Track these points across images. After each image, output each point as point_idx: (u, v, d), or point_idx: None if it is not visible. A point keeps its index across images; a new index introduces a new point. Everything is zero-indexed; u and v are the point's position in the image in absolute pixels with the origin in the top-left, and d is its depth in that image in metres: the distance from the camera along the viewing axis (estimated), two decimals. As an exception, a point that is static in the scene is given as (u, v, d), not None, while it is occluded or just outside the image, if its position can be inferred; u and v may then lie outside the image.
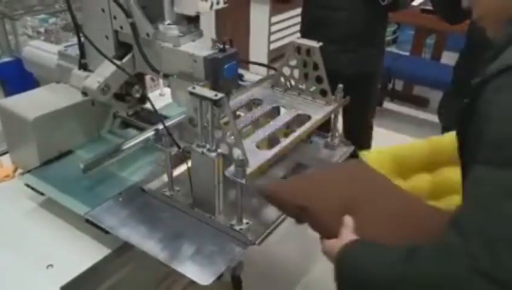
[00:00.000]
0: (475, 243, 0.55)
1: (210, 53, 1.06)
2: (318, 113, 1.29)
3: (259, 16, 4.15)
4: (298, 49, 1.33)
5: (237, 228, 1.04)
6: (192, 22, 1.17)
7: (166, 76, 1.14)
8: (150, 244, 1.02)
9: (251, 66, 4.25)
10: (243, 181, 0.97)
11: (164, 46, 1.12)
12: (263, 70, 4.18)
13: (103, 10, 1.20)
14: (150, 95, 1.75)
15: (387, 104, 3.75)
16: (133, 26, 1.14)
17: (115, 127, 1.48)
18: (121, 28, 1.19)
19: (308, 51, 1.31)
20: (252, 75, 2.71)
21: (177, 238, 1.05)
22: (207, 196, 1.07)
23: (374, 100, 2.20)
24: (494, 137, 0.59)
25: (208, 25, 4.18)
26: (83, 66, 1.31)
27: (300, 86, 1.40)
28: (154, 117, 1.51)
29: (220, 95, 0.93)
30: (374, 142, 2.32)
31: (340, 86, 1.33)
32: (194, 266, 0.97)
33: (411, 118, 3.62)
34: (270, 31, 4.20)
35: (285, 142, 1.15)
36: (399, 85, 3.83)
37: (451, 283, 0.55)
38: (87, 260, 1.06)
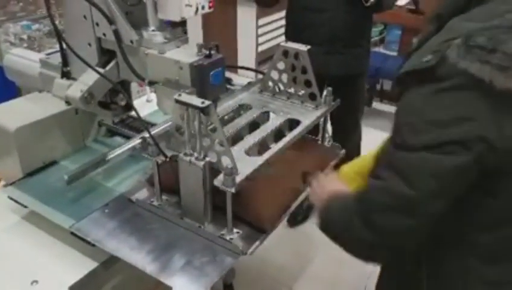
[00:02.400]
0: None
1: (196, 59, 1.03)
2: (308, 117, 1.27)
3: (246, 18, 4.13)
4: (286, 53, 1.31)
5: (227, 237, 1.01)
6: (178, 26, 1.14)
7: (151, 83, 1.12)
8: (137, 257, 0.99)
9: (240, 70, 4.23)
10: (232, 190, 0.94)
11: (149, 53, 1.10)
12: (252, 74, 4.16)
13: (85, 17, 1.17)
14: (137, 101, 1.73)
15: (377, 105, 3.75)
16: (116, 33, 1.11)
17: (100, 136, 1.45)
18: (104, 35, 1.16)
19: (296, 54, 1.30)
20: (240, 78, 2.69)
21: (166, 249, 1.02)
22: (196, 206, 1.04)
23: (362, 101, 2.19)
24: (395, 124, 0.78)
25: (195, 28, 4.14)
26: (66, 75, 1.27)
27: (289, 90, 1.38)
28: (141, 124, 1.48)
29: (207, 102, 0.91)
30: (364, 143, 2.31)
31: (330, 89, 1.31)
32: (183, 279, 0.94)
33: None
34: (258, 33, 4.18)
35: (275, 148, 1.13)
36: (387, 85, 3.83)
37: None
38: (73, 274, 1.03)
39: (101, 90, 1.21)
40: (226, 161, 0.96)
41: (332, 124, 2.16)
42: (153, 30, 1.12)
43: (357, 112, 2.16)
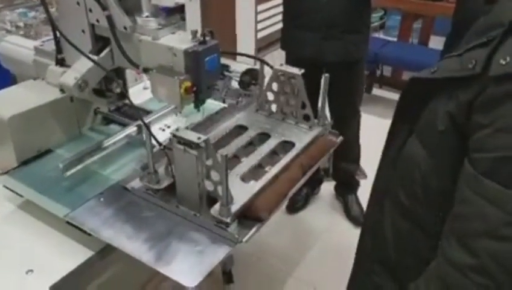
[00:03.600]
0: None
1: (190, 46, 1.01)
2: (301, 139, 1.29)
3: (245, 4, 4.09)
4: (280, 75, 1.31)
5: (223, 225, 1.00)
6: (175, 13, 1.12)
7: (146, 70, 1.10)
8: (133, 246, 0.99)
9: (238, 57, 4.20)
10: (228, 220, 0.98)
11: (142, 40, 1.08)
12: (250, 60, 4.13)
13: (78, 3, 1.15)
14: (134, 88, 1.71)
15: (376, 91, 3.73)
16: (109, 19, 1.09)
17: (96, 124, 1.44)
18: (97, 21, 1.14)
19: (291, 77, 1.30)
20: (238, 65, 2.67)
21: (162, 238, 1.01)
22: (191, 194, 1.04)
23: (361, 87, 2.17)
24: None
25: (194, 15, 4.10)
26: (60, 62, 1.26)
27: (284, 110, 1.39)
28: (137, 112, 1.47)
29: (203, 138, 0.95)
30: (363, 129, 2.29)
31: (327, 75, 1.29)
32: (179, 268, 0.93)
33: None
34: (257, 19, 4.14)
35: (270, 172, 1.14)
36: (387, 71, 3.81)
37: None
38: (69, 263, 1.03)
39: (95, 77, 1.20)
40: (222, 190, 0.97)
41: (330, 111, 2.15)
42: (146, 16, 1.10)
43: (356, 99, 2.15)
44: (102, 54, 1.17)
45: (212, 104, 1.55)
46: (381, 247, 0.82)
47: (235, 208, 1.01)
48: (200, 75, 1.02)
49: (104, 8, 1.08)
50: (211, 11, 4.13)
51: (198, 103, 1.08)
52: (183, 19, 1.15)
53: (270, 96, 1.39)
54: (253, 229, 1.02)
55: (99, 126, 1.44)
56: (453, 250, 0.64)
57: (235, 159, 1.24)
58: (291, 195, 1.13)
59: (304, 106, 1.33)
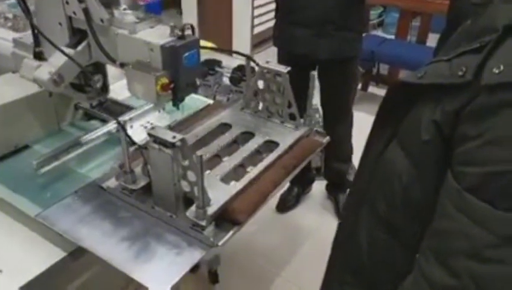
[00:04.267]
0: None
1: (167, 41, 0.97)
2: (286, 139, 1.25)
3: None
4: (266, 73, 1.27)
5: (199, 227, 0.97)
6: (172, 8, 1.08)
7: (122, 65, 1.06)
8: (105, 248, 0.95)
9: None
10: (204, 223, 0.95)
11: (119, 33, 1.04)
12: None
13: None
14: (119, 84, 1.66)
15: (373, 89, 3.69)
16: (85, 11, 1.05)
17: (77, 119, 1.40)
18: (74, 13, 1.10)
19: (277, 75, 1.26)
20: (230, 60, 2.63)
21: (136, 240, 0.98)
22: (167, 195, 1.00)
23: (354, 85, 2.13)
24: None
25: (190, 9, 4.05)
26: (38, 55, 1.21)
27: (269, 109, 1.35)
28: (120, 108, 1.44)
29: (178, 137, 0.91)
30: (358, 128, 2.25)
31: (313, 73, 1.25)
32: (151, 272, 0.90)
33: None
34: (254, 14, 4.09)
35: (252, 173, 1.11)
36: (384, 69, 3.76)
37: None
38: (40, 264, 0.99)
39: (71, 72, 1.16)
40: (198, 192, 0.94)
41: (322, 109, 2.11)
42: (124, 9, 1.06)
43: (349, 97, 2.11)
44: (79, 48, 1.13)
45: (198, 101, 1.51)
46: (356, 257, 0.78)
47: (211, 210, 0.97)
48: (178, 71, 0.99)
49: (81, 0, 1.04)
50: (207, 4, 4.08)
51: (177, 100, 1.05)
52: (180, 13, 1.12)
53: (256, 94, 1.35)
54: (230, 233, 0.98)
55: (79, 122, 1.40)
56: (432, 267, 0.60)
57: (217, 158, 1.20)
58: (273, 196, 1.10)
59: (290, 105, 1.29)
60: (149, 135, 0.95)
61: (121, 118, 1.29)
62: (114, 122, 1.28)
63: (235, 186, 1.06)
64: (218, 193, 1.02)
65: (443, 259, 0.58)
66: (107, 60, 1.09)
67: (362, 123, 2.34)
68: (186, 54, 0.99)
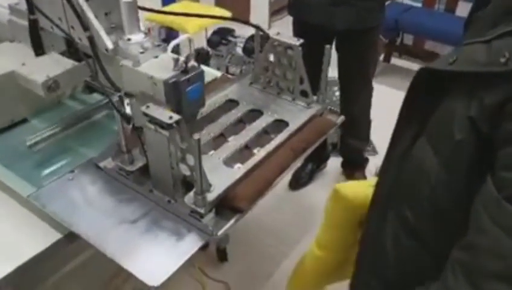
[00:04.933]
0: None
1: (171, 75, 0.93)
2: (296, 118, 1.16)
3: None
4: (277, 46, 1.17)
5: (197, 215, 0.90)
6: None
7: (128, 95, 1.02)
8: (98, 234, 0.90)
9: (251, 21, 4.00)
10: (202, 211, 0.88)
11: (123, 65, 0.99)
12: (263, 24, 3.93)
13: (60, 19, 1.07)
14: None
15: (395, 60, 3.52)
16: (91, 40, 1.01)
17: (77, 92, 1.33)
18: (80, 39, 1.06)
19: (288, 48, 1.15)
20: (244, 29, 2.50)
21: (131, 226, 0.92)
22: (165, 178, 0.93)
23: (375, 58, 1.99)
24: None
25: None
26: (33, 23, 1.14)
27: (280, 85, 1.25)
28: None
29: (175, 117, 0.85)
30: (379, 101, 2.13)
31: (327, 46, 1.14)
32: (144, 264, 0.84)
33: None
34: (272, -21, 3.91)
35: (257, 156, 1.03)
36: (408, 39, 3.58)
37: None
38: (35, 245, 0.94)
39: (69, 82, 1.10)
40: (196, 178, 0.87)
41: (340, 82, 2.00)
42: (128, 39, 1.00)
43: (368, 70, 1.98)
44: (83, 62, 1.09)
45: (206, 74, 1.42)
46: (381, 261, 0.70)
47: (211, 196, 0.91)
48: (181, 105, 0.95)
49: (86, 28, 1.00)
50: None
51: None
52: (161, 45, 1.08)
53: (266, 68, 1.25)
54: (231, 221, 0.92)
55: (80, 95, 1.33)
56: (460, 286, 0.51)
57: (222, 138, 1.12)
58: (279, 181, 1.02)
59: (301, 81, 1.19)
60: (144, 114, 0.88)
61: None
62: (117, 96, 1.21)
63: (239, 171, 0.99)
64: (220, 177, 0.96)
65: (473, 279, 0.50)
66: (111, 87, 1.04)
67: (384, 97, 2.22)
68: (189, 88, 0.94)
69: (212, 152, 1.08)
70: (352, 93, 1.94)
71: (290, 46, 1.15)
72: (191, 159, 0.89)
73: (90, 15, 1.02)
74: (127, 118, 0.93)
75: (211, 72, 1.44)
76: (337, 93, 2.16)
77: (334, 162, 2.38)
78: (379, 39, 2.00)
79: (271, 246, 2.03)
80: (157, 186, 0.97)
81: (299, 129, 1.13)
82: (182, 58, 0.97)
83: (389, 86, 2.90)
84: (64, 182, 1.02)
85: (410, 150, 0.64)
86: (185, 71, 0.95)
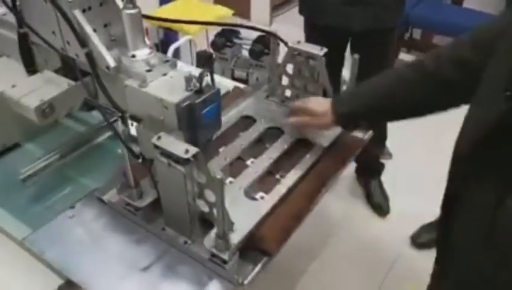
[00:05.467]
0: None
1: (183, 97, 0.80)
2: (321, 137, 1.04)
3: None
4: (297, 55, 1.05)
5: (219, 260, 0.78)
6: None
7: (134, 118, 0.89)
8: (104, 285, 0.78)
9: (252, 17, 3.86)
10: (225, 257, 0.77)
11: (128, 86, 0.86)
12: (264, 20, 3.79)
13: (54, 33, 0.93)
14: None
15: (404, 56, 3.39)
16: (89, 56, 0.88)
17: (75, 110, 1.20)
18: (77, 56, 0.92)
19: (309, 58, 1.03)
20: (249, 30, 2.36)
21: (141, 274, 0.80)
22: (180, 216, 0.81)
23: (390, 60, 1.86)
24: None
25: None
26: (23, 38, 1.01)
27: (300, 98, 1.12)
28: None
29: (192, 151, 0.73)
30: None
31: (356, 56, 1.02)
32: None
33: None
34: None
35: (283, 185, 0.92)
36: (417, 34, 3.45)
37: None
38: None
39: (66, 105, 0.97)
40: (218, 219, 0.76)
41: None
42: (132, 55, 0.87)
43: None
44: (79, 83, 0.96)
45: (221, 84, 1.28)
46: None
47: (235, 238, 0.79)
48: (197, 130, 0.83)
49: (83, 44, 0.87)
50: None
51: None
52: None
53: (284, 79, 1.13)
54: (258, 266, 0.80)
55: (79, 113, 1.20)
56: None
57: (239, 162, 1.00)
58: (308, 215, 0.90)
59: (325, 94, 1.07)
60: (155, 146, 0.75)
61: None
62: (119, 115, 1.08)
63: (263, 203, 0.87)
64: (243, 213, 0.84)
65: None
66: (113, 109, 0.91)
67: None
68: (205, 111, 0.82)
69: (229, 179, 0.96)
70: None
71: (312, 56, 1.03)
72: (210, 195, 0.77)
73: (88, 29, 0.89)
74: (134, 155, 0.81)
75: (223, 84, 1.31)
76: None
77: (348, 168, 2.26)
78: (395, 40, 1.87)
79: (282, 259, 1.90)
80: (170, 224, 0.85)
81: (326, 150, 1.01)
82: (194, 76, 0.85)
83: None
84: (64, 220, 0.90)
85: (497, 215, 0.51)
86: (200, 91, 0.83)
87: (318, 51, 1.02)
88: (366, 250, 1.91)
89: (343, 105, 0.95)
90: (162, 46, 2.75)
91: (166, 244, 0.85)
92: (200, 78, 0.83)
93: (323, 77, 1.04)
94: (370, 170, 2.13)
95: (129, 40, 0.88)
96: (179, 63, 1.60)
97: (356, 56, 1.02)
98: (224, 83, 1.32)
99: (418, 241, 1.94)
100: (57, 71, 1.03)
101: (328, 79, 1.04)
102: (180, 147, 0.74)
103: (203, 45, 2.50)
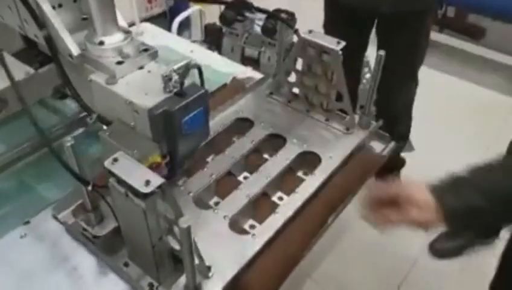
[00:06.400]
0: None
1: (159, 101, 0.63)
2: (332, 150, 0.85)
3: None
4: (309, 47, 0.85)
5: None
6: None
7: (102, 120, 0.73)
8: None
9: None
10: None
11: (93, 81, 0.69)
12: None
13: (10, 8, 0.77)
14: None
15: (435, 36, 3.09)
16: (48, 41, 0.71)
17: (46, 96, 1.03)
18: (36, 37, 0.75)
19: (323, 53, 0.83)
20: (264, 2, 2.13)
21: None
22: (144, 253, 0.65)
23: (425, 47, 1.62)
24: None
25: None
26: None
27: (310, 99, 0.93)
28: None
29: (156, 182, 0.55)
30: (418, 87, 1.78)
31: (381, 53, 0.81)
32: None
33: (463, 53, 2.99)
34: None
35: (281, 214, 0.74)
36: (451, 11, 3.15)
37: None
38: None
39: (24, 97, 0.79)
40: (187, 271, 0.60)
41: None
42: (100, 42, 0.69)
43: (416, 62, 1.61)
44: (45, 69, 0.83)
45: (212, 75, 1.09)
46: None
47: (214, 286, 0.62)
48: (175, 141, 0.66)
49: (41, 25, 0.70)
50: None
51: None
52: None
53: (293, 76, 0.93)
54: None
55: (50, 100, 1.02)
56: None
57: (230, 178, 0.82)
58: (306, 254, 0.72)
59: (340, 97, 0.87)
60: (109, 172, 0.58)
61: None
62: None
63: (253, 240, 0.69)
64: (226, 252, 0.67)
65: None
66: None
67: (421, 79, 1.87)
68: (187, 119, 0.65)
69: (214, 199, 0.79)
70: (394, 89, 1.59)
71: (327, 50, 0.83)
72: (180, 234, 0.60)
73: (46, 7, 0.70)
74: (83, 181, 0.64)
75: (220, 72, 1.11)
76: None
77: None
78: (431, 25, 1.61)
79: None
80: (134, 259, 0.68)
81: (338, 169, 0.82)
82: (174, 74, 0.66)
83: (428, 66, 2.51)
84: (14, 240, 0.74)
85: None
86: (180, 94, 0.65)
87: (334, 44, 0.81)
88: (379, 253, 1.74)
89: (452, 195, 0.66)
90: (170, 15, 2.52)
91: (129, 285, 0.68)
92: (182, 77, 0.64)
93: (339, 76, 0.84)
94: (389, 166, 1.92)
95: (96, 21, 0.70)
96: (180, 40, 1.41)
97: (382, 53, 0.82)
98: (225, 69, 1.12)
99: (436, 247, 1.76)
100: (18, 54, 0.86)
101: (344, 80, 0.84)
102: (140, 176, 0.56)
103: (214, 17, 2.28)
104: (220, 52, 2.01)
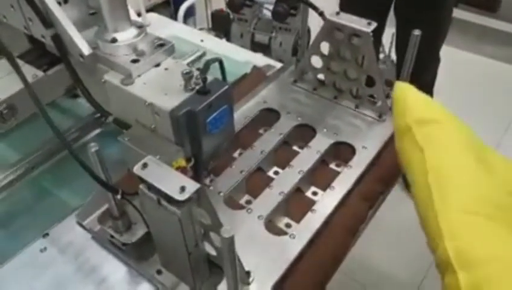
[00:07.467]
0: None
1: (180, 102, 0.59)
2: (366, 140, 0.79)
3: None
4: (336, 30, 0.79)
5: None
6: None
7: (119, 123, 0.69)
8: None
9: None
10: None
11: (108, 82, 0.64)
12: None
13: (12, 7, 0.72)
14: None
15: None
16: (56, 40, 0.67)
17: (57, 97, 0.98)
18: (43, 37, 0.71)
19: (353, 36, 0.77)
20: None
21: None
22: (179, 261, 0.60)
23: (447, 25, 1.55)
24: None
25: None
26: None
27: (338, 85, 0.87)
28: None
29: (191, 188, 0.50)
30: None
31: (417, 33, 0.76)
32: None
33: (476, 27, 2.90)
34: None
35: (320, 214, 0.68)
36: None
37: None
38: None
39: (29, 103, 0.75)
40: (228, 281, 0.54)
41: (397, 55, 1.60)
42: (113, 40, 0.64)
43: (438, 42, 1.55)
44: (53, 71, 0.79)
45: (234, 65, 1.03)
46: None
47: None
48: (199, 142, 0.62)
49: (49, 24, 0.66)
50: None
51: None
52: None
53: (317, 61, 0.87)
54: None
55: (61, 100, 0.98)
56: None
57: (259, 174, 0.78)
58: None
59: (371, 82, 0.82)
60: (140, 178, 0.53)
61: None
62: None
63: (292, 241, 0.65)
64: (265, 255, 0.63)
65: None
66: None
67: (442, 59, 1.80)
68: (211, 118, 0.61)
69: (245, 197, 0.75)
70: (416, 69, 1.52)
71: (357, 33, 0.77)
72: (217, 239, 0.56)
73: (51, 3, 0.65)
74: (111, 189, 0.59)
75: (238, 63, 1.06)
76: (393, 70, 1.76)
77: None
78: (453, 2, 1.53)
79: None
80: (168, 266, 0.64)
81: (374, 159, 0.77)
82: (195, 71, 0.62)
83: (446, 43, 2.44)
84: (33, 255, 0.70)
85: None
86: (203, 91, 0.60)
87: (365, 26, 0.75)
88: (401, 236, 1.69)
89: None
90: (174, 2, 2.45)
91: (163, 293, 0.64)
92: (204, 73, 0.60)
93: (371, 60, 0.79)
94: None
95: (107, 17, 0.65)
96: (188, 29, 1.36)
97: (417, 32, 0.76)
98: (241, 58, 1.07)
99: None
100: (23, 56, 0.81)
101: (376, 63, 0.79)
102: (173, 181, 0.51)
103: (220, 3, 2.22)
104: (228, 40, 1.95)
